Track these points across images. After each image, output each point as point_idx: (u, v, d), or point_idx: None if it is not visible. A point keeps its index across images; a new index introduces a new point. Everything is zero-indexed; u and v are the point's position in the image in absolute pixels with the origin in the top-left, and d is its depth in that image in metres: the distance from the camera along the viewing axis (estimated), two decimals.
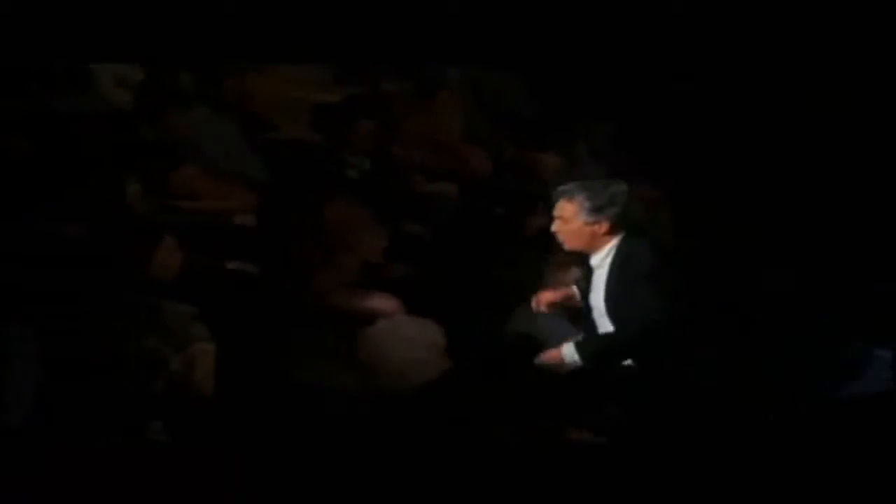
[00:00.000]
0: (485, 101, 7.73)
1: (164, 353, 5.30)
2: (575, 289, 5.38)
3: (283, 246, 6.00)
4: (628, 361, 5.03)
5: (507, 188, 7.13)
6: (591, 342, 5.00)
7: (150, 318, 5.33)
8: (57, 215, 5.66)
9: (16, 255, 5.28)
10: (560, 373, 4.93)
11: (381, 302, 5.46)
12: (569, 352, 4.97)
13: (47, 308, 5.09)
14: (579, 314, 5.35)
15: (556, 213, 5.17)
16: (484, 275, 6.24)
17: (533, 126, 7.66)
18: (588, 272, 5.20)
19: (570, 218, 5.10)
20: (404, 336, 4.89)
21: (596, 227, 5.09)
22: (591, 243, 5.11)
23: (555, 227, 5.16)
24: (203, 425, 5.14)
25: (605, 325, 5.07)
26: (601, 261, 5.12)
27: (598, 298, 5.12)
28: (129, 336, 5.22)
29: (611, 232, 5.08)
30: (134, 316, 5.30)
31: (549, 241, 5.66)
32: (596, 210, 5.07)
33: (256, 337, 5.46)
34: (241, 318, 5.58)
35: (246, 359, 5.39)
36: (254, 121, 6.93)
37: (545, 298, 5.37)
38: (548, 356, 5.02)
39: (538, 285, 5.74)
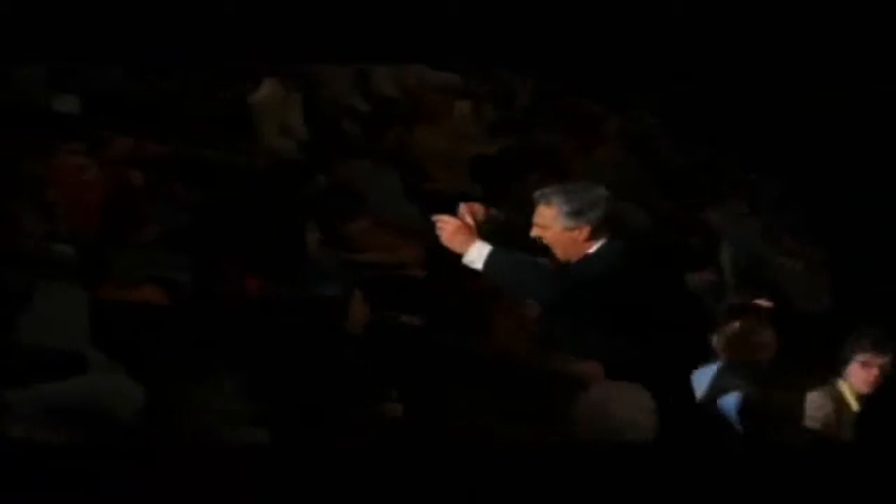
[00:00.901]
0: (640, 154, 7.61)
1: (353, 414, 5.14)
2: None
3: (458, 299, 5.83)
4: None
5: (663, 244, 6.91)
6: (505, 258, 4.45)
7: (340, 377, 5.17)
8: (236, 271, 5.53)
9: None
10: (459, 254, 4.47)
11: (590, 366, 5.26)
12: (479, 252, 4.48)
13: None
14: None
15: (535, 219, 4.56)
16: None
17: (689, 180, 7.50)
18: None
19: (548, 224, 4.45)
20: (624, 402, 4.63)
21: (576, 234, 4.48)
22: (572, 251, 4.53)
23: (534, 232, 4.56)
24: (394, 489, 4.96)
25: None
26: None
27: None
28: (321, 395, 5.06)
29: (592, 237, 4.52)
30: (324, 374, 5.14)
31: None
32: (575, 214, 4.45)
33: (446, 398, 5.28)
34: (427, 377, 5.40)
35: (435, 421, 5.21)
36: (414, 172, 6.83)
37: (474, 209, 4.75)
38: (458, 242, 4.48)
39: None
